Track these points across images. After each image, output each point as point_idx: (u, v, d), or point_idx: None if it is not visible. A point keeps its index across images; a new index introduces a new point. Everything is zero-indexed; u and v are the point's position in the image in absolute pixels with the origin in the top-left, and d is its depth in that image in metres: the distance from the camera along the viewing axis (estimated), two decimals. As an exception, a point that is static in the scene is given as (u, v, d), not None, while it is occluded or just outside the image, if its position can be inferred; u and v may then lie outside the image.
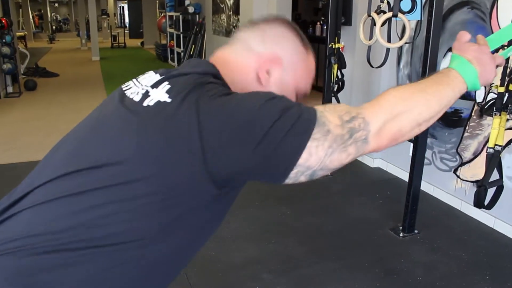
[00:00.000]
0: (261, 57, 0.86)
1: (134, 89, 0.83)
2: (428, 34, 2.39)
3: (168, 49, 11.21)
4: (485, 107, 2.75)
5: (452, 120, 3.02)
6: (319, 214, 2.99)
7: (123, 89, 0.86)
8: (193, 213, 0.75)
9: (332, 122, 0.72)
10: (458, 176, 3.03)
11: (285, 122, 0.70)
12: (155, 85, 0.79)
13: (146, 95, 0.78)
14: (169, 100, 0.74)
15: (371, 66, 3.00)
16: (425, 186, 3.12)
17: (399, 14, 2.58)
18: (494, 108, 2.20)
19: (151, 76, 0.84)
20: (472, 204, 2.29)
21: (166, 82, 0.78)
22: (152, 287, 0.81)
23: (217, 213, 0.82)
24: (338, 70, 3.51)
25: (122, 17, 22.32)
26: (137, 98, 0.79)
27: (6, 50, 6.72)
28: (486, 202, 2.25)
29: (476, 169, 2.87)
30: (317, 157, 0.70)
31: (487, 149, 2.22)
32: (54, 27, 22.72)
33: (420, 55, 2.99)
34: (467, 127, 2.92)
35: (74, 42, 17.43)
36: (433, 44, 2.40)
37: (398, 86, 0.82)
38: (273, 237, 2.66)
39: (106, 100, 0.89)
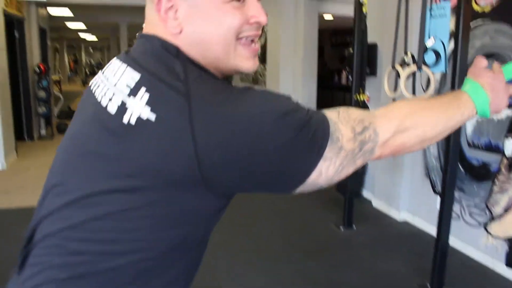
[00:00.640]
0: None
1: (102, 88, 0.74)
2: (453, 87, 2.38)
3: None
4: (515, 161, 2.68)
5: (480, 173, 2.94)
6: (343, 268, 2.91)
7: (92, 90, 0.78)
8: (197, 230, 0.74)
9: (344, 135, 0.70)
10: (488, 232, 2.91)
11: (300, 142, 0.66)
12: (132, 93, 0.68)
13: (123, 106, 0.68)
14: (152, 117, 0.64)
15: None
16: (453, 241, 3.00)
17: (423, 67, 2.60)
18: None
19: (118, 68, 0.74)
20: (504, 263, 2.19)
21: (144, 89, 0.67)
22: None
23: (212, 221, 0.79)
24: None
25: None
26: (112, 109, 0.69)
27: (42, 94, 7.04)
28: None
29: (508, 226, 2.76)
30: (327, 176, 0.70)
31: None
32: (88, 71, 23.73)
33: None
34: (496, 181, 2.83)
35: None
36: (459, 97, 2.38)
37: (410, 99, 0.81)
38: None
39: (79, 108, 0.82)
